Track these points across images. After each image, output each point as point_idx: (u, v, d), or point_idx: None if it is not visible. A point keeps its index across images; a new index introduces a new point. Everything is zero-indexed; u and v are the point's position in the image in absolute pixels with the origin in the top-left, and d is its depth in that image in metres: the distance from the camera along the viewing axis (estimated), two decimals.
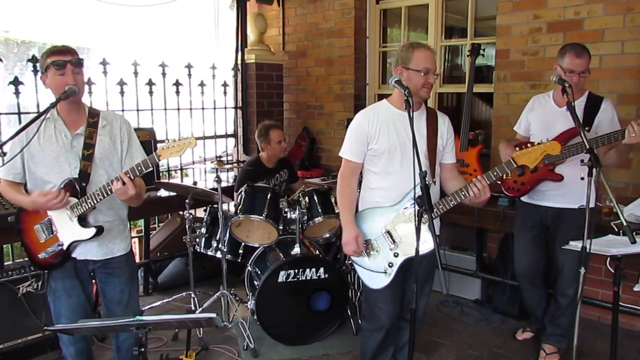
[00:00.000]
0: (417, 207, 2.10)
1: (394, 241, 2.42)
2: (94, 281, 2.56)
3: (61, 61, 2.17)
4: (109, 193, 2.22)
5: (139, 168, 2.21)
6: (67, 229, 2.30)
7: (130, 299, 2.50)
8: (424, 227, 2.22)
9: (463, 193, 2.32)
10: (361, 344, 2.73)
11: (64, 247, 2.31)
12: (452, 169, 2.57)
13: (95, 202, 2.24)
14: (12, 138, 2.20)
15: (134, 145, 2.43)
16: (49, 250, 2.33)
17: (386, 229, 2.43)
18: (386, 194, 2.46)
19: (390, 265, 2.43)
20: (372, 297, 2.54)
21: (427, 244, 2.27)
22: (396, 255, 2.42)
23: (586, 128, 2.72)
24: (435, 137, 2.48)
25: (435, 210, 2.34)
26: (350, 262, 2.59)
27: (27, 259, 3.39)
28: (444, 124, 2.53)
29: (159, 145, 2.17)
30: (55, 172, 2.27)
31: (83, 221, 2.30)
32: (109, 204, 2.36)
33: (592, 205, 2.33)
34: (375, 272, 2.45)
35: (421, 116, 2.49)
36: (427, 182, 2.06)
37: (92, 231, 2.28)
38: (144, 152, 2.44)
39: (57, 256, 2.33)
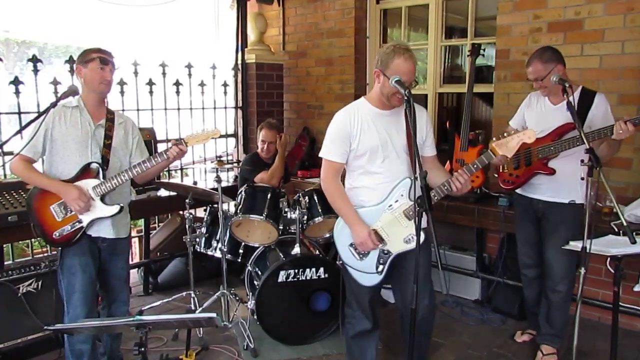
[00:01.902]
0: (417, 207, 2.11)
1: (382, 239, 2.44)
2: None
3: (106, 58, 2.52)
4: (135, 174, 2.55)
5: (167, 153, 2.57)
6: (87, 210, 2.51)
7: (127, 276, 2.86)
8: (411, 223, 2.34)
9: (446, 187, 2.37)
10: (347, 331, 2.69)
11: (84, 225, 2.53)
12: (432, 160, 2.59)
13: (120, 182, 2.53)
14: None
15: (142, 143, 2.79)
16: (68, 227, 2.51)
17: (373, 228, 2.43)
18: (370, 193, 2.47)
19: (382, 263, 2.46)
20: (357, 289, 2.56)
21: (414, 240, 2.31)
22: (386, 252, 2.45)
23: None
24: (414, 132, 2.47)
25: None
26: (340, 262, 2.60)
27: (28, 257, 3.44)
28: (421, 118, 2.50)
29: (184, 134, 2.68)
30: (77, 155, 2.52)
31: (103, 201, 2.55)
32: (120, 189, 2.63)
33: (582, 201, 2.44)
34: (367, 272, 2.48)
35: (399, 113, 2.48)
36: (426, 182, 2.06)
37: (115, 208, 2.55)
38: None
39: (75, 233, 2.52)
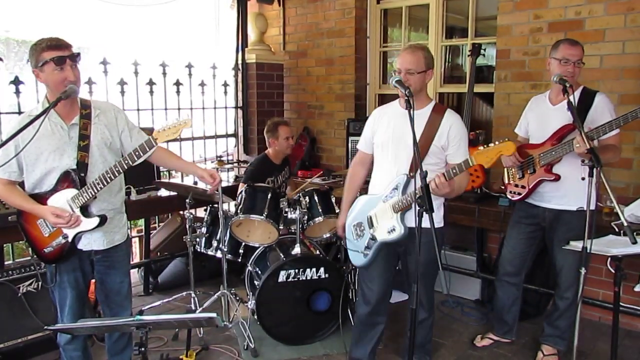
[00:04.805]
0: (417, 207, 2.15)
1: (372, 226, 2.68)
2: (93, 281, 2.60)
3: (60, 57, 2.14)
4: (109, 181, 2.25)
5: (137, 153, 2.23)
6: (77, 226, 2.31)
7: (129, 289, 2.60)
8: (396, 217, 2.55)
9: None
10: (354, 317, 3.02)
11: (69, 239, 2.33)
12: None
13: (96, 191, 2.25)
14: (12, 138, 2.15)
15: (134, 129, 2.47)
16: (54, 243, 2.34)
17: (369, 214, 2.69)
18: (379, 183, 2.71)
19: (368, 247, 2.70)
20: (361, 274, 2.87)
21: (395, 232, 2.56)
22: (373, 238, 2.68)
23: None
24: (431, 135, 2.56)
25: (404, 202, 2.52)
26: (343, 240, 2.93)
27: (28, 258, 3.38)
28: (446, 123, 2.59)
29: (155, 128, 2.27)
30: (56, 164, 2.27)
31: (85, 212, 2.31)
32: (109, 192, 2.39)
33: (592, 206, 2.32)
34: (355, 251, 2.77)
35: (424, 114, 2.60)
36: (427, 182, 2.09)
37: (95, 221, 2.30)
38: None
39: (63, 249, 2.34)
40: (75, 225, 2.28)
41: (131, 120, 2.50)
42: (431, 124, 2.57)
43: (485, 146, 2.35)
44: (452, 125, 2.59)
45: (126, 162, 2.23)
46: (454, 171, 2.40)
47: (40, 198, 2.31)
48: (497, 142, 2.32)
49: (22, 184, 2.38)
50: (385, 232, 2.61)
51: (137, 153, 2.23)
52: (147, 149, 2.24)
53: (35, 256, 2.49)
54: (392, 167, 2.62)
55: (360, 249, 2.73)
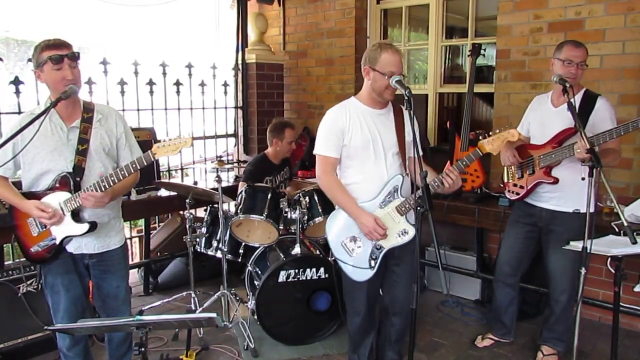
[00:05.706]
0: (417, 208, 2.15)
1: None
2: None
3: (58, 55, 2.14)
4: (103, 190, 2.22)
5: (134, 165, 2.23)
6: (60, 223, 2.29)
7: (126, 293, 2.54)
8: (403, 219, 2.47)
9: (437, 184, 2.44)
10: (348, 326, 2.86)
11: (57, 242, 2.31)
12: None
13: None
14: (14, 136, 2.15)
15: (131, 139, 2.46)
16: (42, 244, 2.32)
17: None
18: (360, 189, 2.56)
19: (375, 258, 2.55)
20: (350, 285, 2.67)
21: (408, 234, 2.49)
22: (378, 247, 2.54)
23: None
24: (402, 131, 2.56)
25: (410, 202, 2.45)
26: (333, 259, 2.75)
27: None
28: (407, 118, 2.59)
29: (154, 143, 2.27)
30: (52, 166, 2.26)
31: (77, 216, 2.29)
32: None
33: (592, 207, 2.31)
34: (359, 267, 2.56)
35: (389, 112, 2.59)
36: (427, 182, 2.09)
37: (85, 227, 2.28)
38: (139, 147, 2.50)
39: (50, 250, 2.32)
40: (58, 222, 2.25)
41: (130, 131, 2.49)
42: (398, 122, 2.57)
43: (488, 135, 2.42)
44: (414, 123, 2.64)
45: (122, 173, 2.23)
46: (464, 163, 2.43)
47: (35, 197, 2.29)
48: (499, 131, 2.38)
49: (19, 184, 2.36)
50: (394, 238, 2.52)
51: (134, 165, 2.23)
52: (145, 162, 2.24)
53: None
54: (372, 169, 2.54)
55: (363, 264, 2.55)
